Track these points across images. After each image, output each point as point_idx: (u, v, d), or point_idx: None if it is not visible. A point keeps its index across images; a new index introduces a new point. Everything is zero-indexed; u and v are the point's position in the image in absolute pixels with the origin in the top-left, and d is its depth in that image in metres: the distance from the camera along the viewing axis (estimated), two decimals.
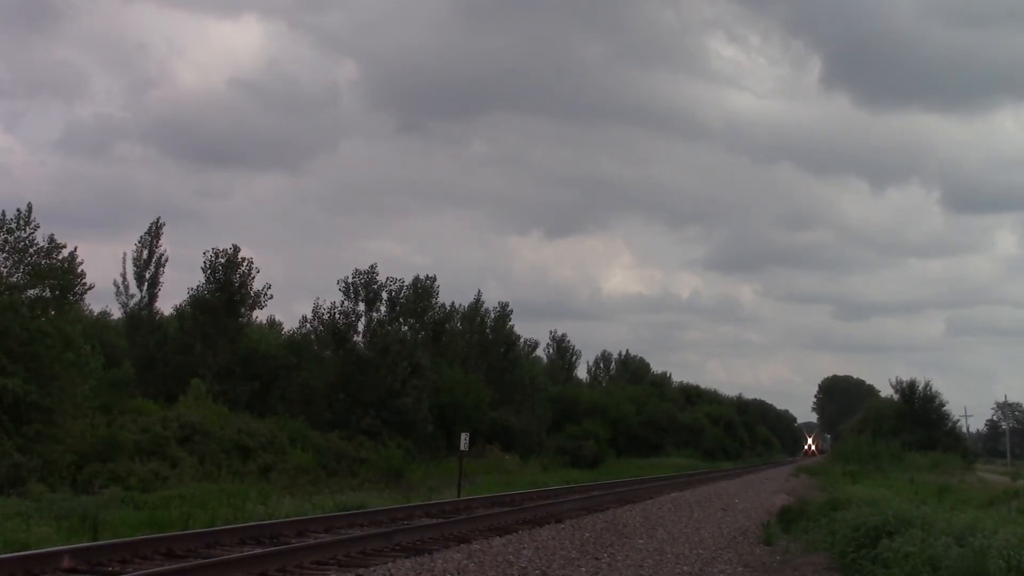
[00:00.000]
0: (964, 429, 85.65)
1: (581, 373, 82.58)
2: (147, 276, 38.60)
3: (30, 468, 22.19)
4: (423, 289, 48.95)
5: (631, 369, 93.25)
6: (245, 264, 38.74)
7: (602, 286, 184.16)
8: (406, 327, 46.00)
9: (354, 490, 24.77)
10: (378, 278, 43.61)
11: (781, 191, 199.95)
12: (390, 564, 11.44)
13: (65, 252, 26.06)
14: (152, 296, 38.79)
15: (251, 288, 38.98)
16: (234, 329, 38.70)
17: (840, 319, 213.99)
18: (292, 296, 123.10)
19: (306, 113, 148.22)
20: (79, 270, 26.53)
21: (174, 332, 38.65)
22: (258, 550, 12.39)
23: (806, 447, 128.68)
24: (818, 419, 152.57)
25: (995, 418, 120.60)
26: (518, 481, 34.20)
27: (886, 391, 78.39)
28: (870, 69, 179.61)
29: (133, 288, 38.45)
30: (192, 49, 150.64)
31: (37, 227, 25.46)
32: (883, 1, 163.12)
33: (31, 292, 25.47)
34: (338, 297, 43.33)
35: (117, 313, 40.40)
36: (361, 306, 43.18)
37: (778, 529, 18.11)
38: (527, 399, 57.45)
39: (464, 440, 27.19)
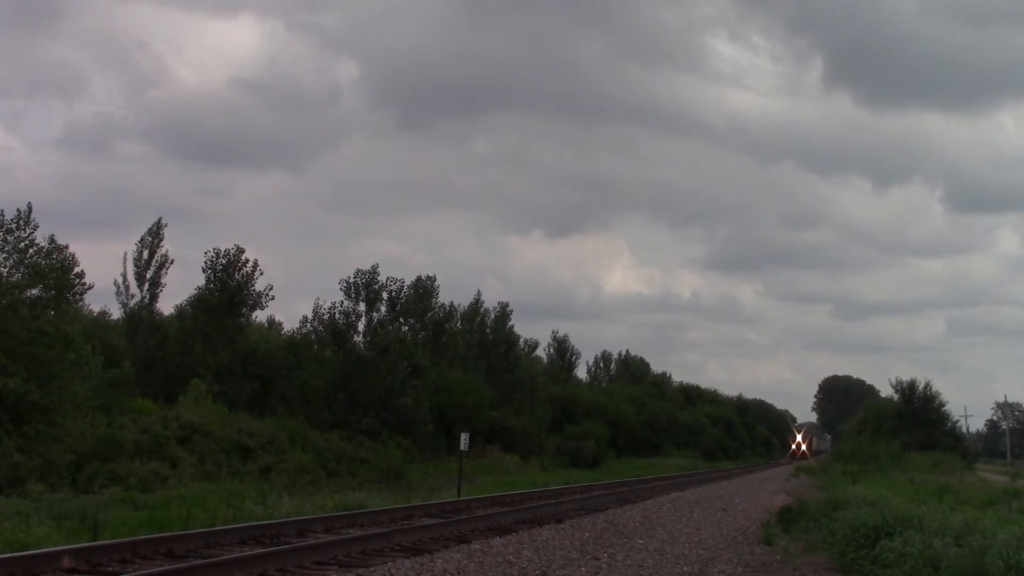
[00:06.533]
0: (964, 429, 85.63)
1: (581, 373, 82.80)
2: (148, 276, 38.64)
3: (30, 468, 22.22)
4: (423, 289, 49.00)
5: (631, 369, 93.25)
6: (248, 264, 38.81)
7: (602, 286, 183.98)
8: (406, 327, 46.03)
9: (354, 490, 24.77)
10: (379, 278, 43.75)
11: (783, 190, 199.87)
12: (390, 564, 11.44)
13: (66, 252, 26.19)
14: (153, 296, 38.84)
15: (253, 288, 39.03)
16: (234, 329, 38.72)
17: (840, 319, 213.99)
18: (292, 296, 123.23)
19: (307, 112, 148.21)
20: (79, 270, 26.62)
21: (174, 332, 38.66)
22: (258, 550, 12.39)
23: (794, 447, 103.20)
24: (818, 419, 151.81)
25: (995, 418, 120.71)
26: (518, 481, 34.20)
27: (886, 391, 78.40)
28: (872, 68, 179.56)
29: (133, 288, 38.53)
30: (191, 48, 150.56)
31: (37, 227, 25.56)
32: None
33: (31, 292, 25.50)
34: (339, 297, 43.43)
35: (117, 313, 40.48)
36: (362, 306, 43.27)
37: (778, 529, 18.12)
38: (527, 399, 57.48)
39: (464, 440, 27.20)
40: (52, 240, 25.92)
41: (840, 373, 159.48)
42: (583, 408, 63.71)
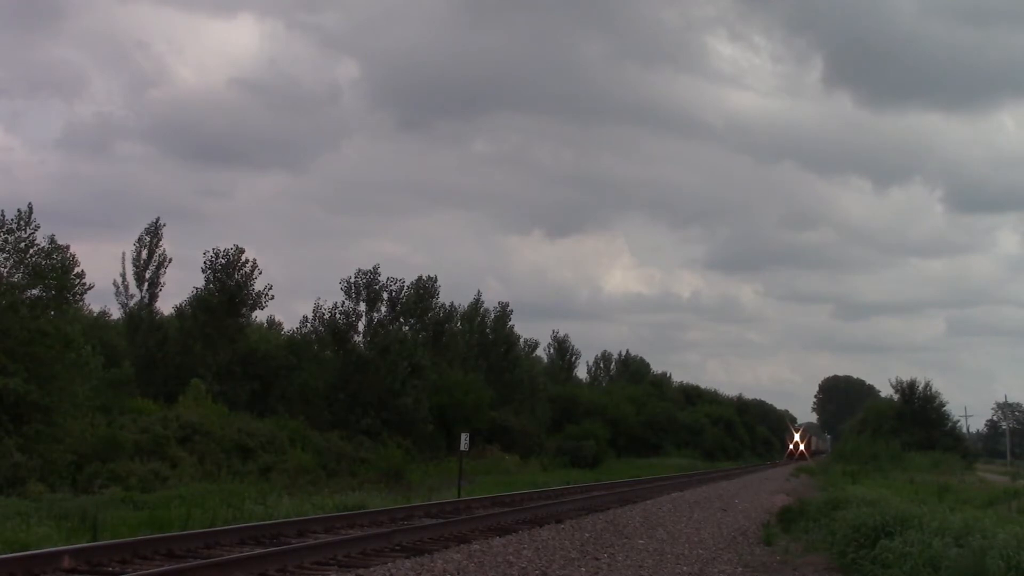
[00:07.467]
0: (964, 429, 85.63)
1: (581, 373, 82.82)
2: (147, 276, 38.65)
3: (30, 468, 22.22)
4: (424, 289, 49.02)
5: (631, 369, 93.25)
6: (247, 265, 38.82)
7: (602, 286, 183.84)
8: (407, 327, 46.05)
9: (354, 490, 24.78)
10: (380, 278, 43.78)
11: (783, 190, 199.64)
12: (390, 564, 11.44)
13: (66, 252, 26.21)
14: (152, 296, 38.86)
15: (252, 288, 39.03)
16: (234, 329, 38.73)
17: (841, 319, 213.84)
18: (292, 296, 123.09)
19: (307, 112, 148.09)
20: (79, 270, 26.65)
21: (174, 332, 38.68)
22: (258, 550, 12.40)
23: (791, 447, 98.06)
24: (818, 419, 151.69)
25: (995, 418, 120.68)
26: (518, 481, 34.19)
27: (886, 391, 78.38)
28: (872, 68, 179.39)
29: (133, 288, 38.59)
30: (191, 48, 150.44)
31: (38, 227, 25.59)
32: None
33: (31, 292, 25.52)
34: (339, 297, 43.54)
35: (117, 313, 40.50)
36: (362, 306, 43.32)
37: (778, 529, 18.10)
38: (527, 399, 57.48)
39: (464, 440, 27.20)
40: (52, 240, 26.00)
41: (840, 373, 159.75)
42: (583, 408, 63.72)
